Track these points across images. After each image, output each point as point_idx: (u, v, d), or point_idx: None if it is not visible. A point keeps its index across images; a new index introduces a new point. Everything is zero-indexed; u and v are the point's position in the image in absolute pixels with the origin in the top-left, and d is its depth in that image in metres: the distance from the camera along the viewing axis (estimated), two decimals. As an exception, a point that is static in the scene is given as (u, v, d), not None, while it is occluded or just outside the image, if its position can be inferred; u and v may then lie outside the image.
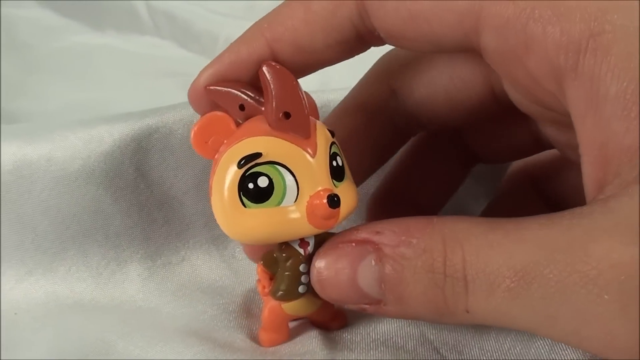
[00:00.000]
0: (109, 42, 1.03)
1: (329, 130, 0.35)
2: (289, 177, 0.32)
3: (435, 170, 0.46)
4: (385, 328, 0.40)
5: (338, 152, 0.34)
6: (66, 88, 0.87)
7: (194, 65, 0.92)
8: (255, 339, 0.41)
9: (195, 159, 0.48)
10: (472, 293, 0.28)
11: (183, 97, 0.43)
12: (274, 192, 0.32)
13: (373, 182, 0.48)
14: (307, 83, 0.35)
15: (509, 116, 0.38)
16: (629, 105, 0.26)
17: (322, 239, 0.35)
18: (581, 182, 0.31)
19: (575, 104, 0.28)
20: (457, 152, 0.45)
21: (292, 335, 0.40)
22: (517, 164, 0.48)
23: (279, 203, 0.32)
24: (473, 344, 0.39)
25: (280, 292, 0.36)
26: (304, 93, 0.33)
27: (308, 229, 0.33)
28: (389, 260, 0.30)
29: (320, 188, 0.33)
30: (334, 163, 0.34)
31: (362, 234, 0.32)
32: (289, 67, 0.34)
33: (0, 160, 0.46)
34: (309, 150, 0.33)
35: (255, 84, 0.34)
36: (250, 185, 0.32)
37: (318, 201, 0.32)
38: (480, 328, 0.40)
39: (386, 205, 0.44)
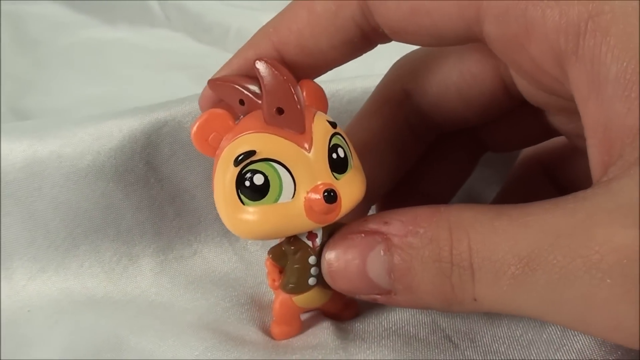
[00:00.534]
0: (121, 36, 1.03)
1: (330, 122, 0.35)
2: (284, 174, 0.32)
3: (445, 160, 0.46)
4: (398, 317, 0.40)
5: (340, 144, 0.34)
6: (78, 83, 0.87)
7: (206, 57, 0.93)
8: (267, 331, 0.41)
9: (205, 153, 0.47)
10: (478, 281, 0.28)
11: (195, 90, 0.43)
12: (270, 189, 0.32)
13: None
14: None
15: (519, 107, 0.38)
16: (629, 86, 0.26)
17: (331, 230, 0.35)
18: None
19: (577, 87, 0.28)
20: (466, 141, 0.45)
21: (304, 327, 0.40)
22: (527, 151, 0.48)
23: (276, 200, 0.32)
24: (485, 331, 0.39)
25: (291, 285, 0.36)
26: (298, 88, 0.33)
27: (308, 224, 0.33)
28: (397, 250, 0.30)
29: (317, 182, 0.33)
30: (334, 155, 0.34)
31: (371, 225, 0.32)
32: (297, 70, 0.35)
33: (11, 157, 0.46)
34: (305, 145, 0.33)
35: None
36: (247, 183, 0.32)
37: (314, 196, 0.32)
38: (492, 315, 0.40)
39: (397, 196, 0.44)
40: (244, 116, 0.34)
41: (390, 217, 0.32)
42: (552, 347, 0.36)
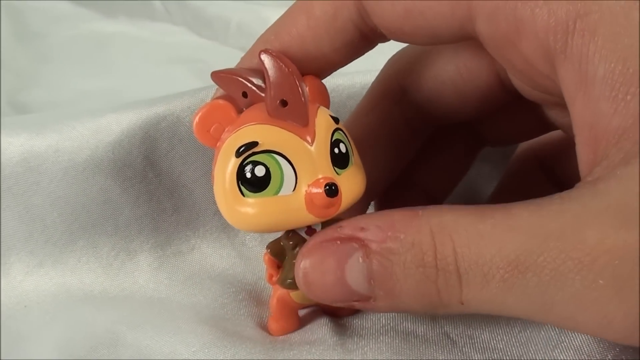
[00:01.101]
0: (121, 29, 1.03)
1: (333, 117, 0.34)
2: (286, 166, 0.32)
3: (444, 155, 0.46)
4: (396, 313, 0.40)
5: (342, 139, 0.34)
6: (79, 76, 0.87)
7: (206, 51, 0.93)
8: (265, 327, 0.41)
9: (204, 147, 0.46)
10: (466, 285, 0.28)
11: (196, 84, 0.43)
12: (271, 181, 0.32)
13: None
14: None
15: (516, 101, 0.38)
16: (616, 87, 0.26)
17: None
18: None
19: (566, 85, 0.29)
20: (464, 136, 0.45)
21: (302, 323, 0.40)
22: (523, 145, 0.48)
23: (277, 192, 0.32)
24: (483, 327, 0.39)
25: (289, 281, 0.36)
26: (302, 81, 0.33)
27: (309, 218, 0.33)
28: (376, 256, 0.30)
29: (319, 176, 0.32)
30: (336, 150, 0.33)
31: (346, 231, 0.31)
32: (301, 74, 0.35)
33: (9, 151, 0.45)
34: (307, 138, 0.33)
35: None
36: (248, 175, 0.32)
37: (316, 190, 0.32)
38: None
39: (395, 192, 0.44)
40: (246, 109, 0.34)
41: (366, 223, 0.31)
42: (550, 344, 0.36)
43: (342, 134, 0.35)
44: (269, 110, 0.33)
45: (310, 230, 0.35)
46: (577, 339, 0.35)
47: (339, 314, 0.41)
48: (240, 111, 0.34)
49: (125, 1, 1.06)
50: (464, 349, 0.37)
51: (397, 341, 0.38)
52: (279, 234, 0.37)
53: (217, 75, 0.35)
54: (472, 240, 0.28)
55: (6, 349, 0.41)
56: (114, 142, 0.46)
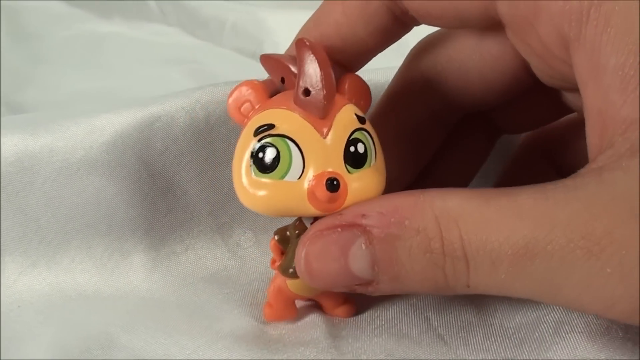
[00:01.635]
0: (116, 30, 1.03)
1: (360, 117, 0.35)
2: (296, 153, 0.33)
3: (461, 147, 0.46)
4: (390, 315, 0.40)
5: (363, 140, 0.34)
6: (74, 77, 0.87)
7: (201, 52, 0.92)
8: (259, 328, 0.41)
9: (199, 147, 0.48)
10: (473, 270, 0.29)
11: (191, 84, 0.43)
12: (280, 165, 0.33)
13: None
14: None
15: (536, 87, 0.38)
16: (626, 79, 0.27)
17: None
18: None
19: (579, 71, 0.29)
20: (480, 125, 0.45)
21: (297, 318, 0.41)
22: (527, 134, 0.48)
23: (283, 177, 0.33)
24: (477, 329, 0.39)
25: (290, 270, 0.36)
26: (331, 74, 0.34)
27: (310, 209, 0.33)
28: (379, 242, 0.30)
29: (325, 170, 0.33)
30: (352, 149, 0.34)
31: (347, 218, 0.32)
32: (341, 61, 0.36)
33: (3, 151, 0.45)
34: (322, 130, 0.33)
35: None
36: (260, 155, 0.33)
37: (318, 182, 0.32)
38: (485, 314, 0.40)
39: (411, 185, 0.44)
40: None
41: (367, 209, 0.31)
42: (544, 345, 0.36)
43: (366, 135, 0.34)
44: (294, 97, 0.33)
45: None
46: (571, 340, 0.35)
47: (336, 314, 0.41)
48: (274, 95, 0.35)
49: (119, 2, 1.06)
50: (457, 351, 0.37)
51: (390, 343, 0.38)
52: (285, 222, 0.37)
53: (264, 57, 0.37)
54: (479, 226, 0.28)
55: (-1, 349, 0.41)
56: (108, 142, 0.45)
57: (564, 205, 0.27)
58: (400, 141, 0.41)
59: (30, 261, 0.46)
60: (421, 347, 0.37)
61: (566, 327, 0.36)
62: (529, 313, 0.38)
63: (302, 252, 0.32)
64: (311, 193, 0.32)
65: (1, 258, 0.46)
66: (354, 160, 0.34)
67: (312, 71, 0.33)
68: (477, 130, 0.45)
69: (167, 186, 0.48)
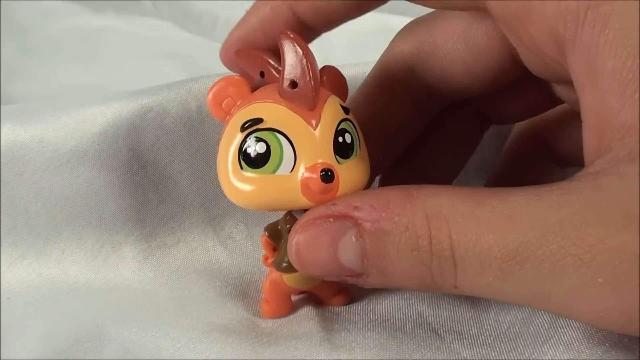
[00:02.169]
0: (109, 24, 1.03)
1: (344, 107, 0.35)
2: (286, 146, 0.33)
3: (449, 139, 0.45)
4: (384, 309, 0.40)
5: (349, 130, 0.34)
6: (66, 71, 0.87)
7: (194, 46, 0.92)
8: (251, 321, 0.40)
9: (191, 139, 0.47)
10: (461, 271, 0.29)
11: (183, 78, 0.43)
12: (270, 159, 0.33)
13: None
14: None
15: (525, 78, 0.38)
16: (624, 82, 0.27)
17: None
18: None
19: (575, 72, 0.29)
20: (469, 117, 0.45)
21: (292, 311, 0.41)
22: (521, 124, 0.48)
23: (274, 171, 0.33)
24: (472, 323, 0.38)
25: (284, 264, 0.36)
26: (316, 66, 0.34)
27: (303, 202, 0.33)
28: (369, 236, 0.30)
29: (317, 161, 0.33)
30: (340, 139, 0.34)
31: (340, 208, 0.31)
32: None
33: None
34: (312, 122, 0.33)
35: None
36: (249, 150, 0.33)
37: (312, 174, 0.32)
38: (479, 308, 0.40)
39: (399, 176, 0.44)
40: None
41: (360, 201, 0.31)
42: (539, 339, 0.36)
43: (351, 125, 0.35)
44: (279, 90, 0.33)
45: None
46: (567, 334, 0.35)
47: (332, 304, 0.41)
48: (255, 89, 0.35)
49: (112, -5, 1.06)
50: (452, 345, 0.37)
51: (384, 338, 0.37)
52: (276, 217, 0.37)
53: (239, 53, 0.37)
54: (469, 227, 0.28)
55: (-12, 341, 0.40)
56: (99, 132, 0.45)
57: (557, 210, 0.27)
58: (378, 127, 0.41)
59: (19, 252, 0.46)
60: (415, 340, 0.37)
61: (561, 321, 0.36)
62: (523, 308, 0.38)
63: (294, 239, 0.32)
64: (305, 185, 0.32)
65: (-10, 249, 0.46)
66: (343, 150, 0.34)
67: (298, 63, 0.33)
68: (465, 121, 0.45)
69: (159, 177, 0.48)
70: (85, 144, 0.45)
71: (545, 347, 0.35)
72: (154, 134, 0.47)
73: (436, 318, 0.39)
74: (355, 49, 0.40)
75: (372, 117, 0.41)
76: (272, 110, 0.33)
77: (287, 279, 0.38)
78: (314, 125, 0.33)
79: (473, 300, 0.40)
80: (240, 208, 0.36)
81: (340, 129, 0.34)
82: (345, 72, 0.42)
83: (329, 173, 0.32)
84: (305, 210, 0.34)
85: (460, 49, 0.39)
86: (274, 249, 0.38)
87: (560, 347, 0.34)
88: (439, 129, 0.45)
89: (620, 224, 0.26)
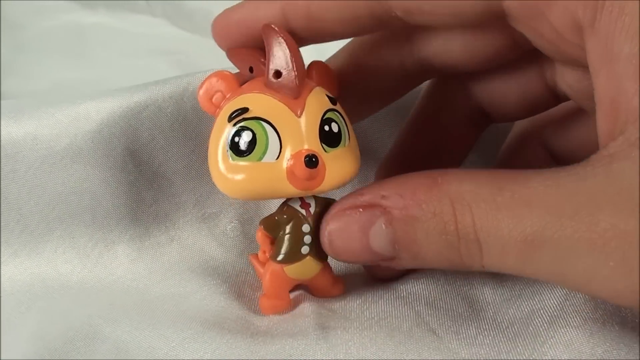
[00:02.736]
0: (101, 21, 1.02)
1: (330, 97, 0.36)
2: (272, 133, 0.34)
3: (447, 135, 0.45)
4: (380, 308, 0.40)
5: (336, 119, 0.35)
6: (57, 67, 0.87)
7: (187, 43, 0.92)
8: (246, 319, 0.40)
9: (186, 138, 0.47)
10: (486, 253, 0.30)
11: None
12: (256, 147, 0.34)
13: (383, 149, 0.48)
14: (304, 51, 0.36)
15: (525, 64, 0.39)
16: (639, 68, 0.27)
17: (325, 202, 0.37)
18: (590, 138, 0.34)
19: (591, 57, 0.30)
20: (469, 113, 0.44)
21: (291, 306, 0.41)
22: (523, 120, 0.48)
23: (261, 158, 0.34)
24: (470, 323, 0.38)
25: (282, 255, 0.37)
26: (299, 55, 0.35)
27: (291, 189, 0.34)
28: (399, 223, 0.32)
29: (303, 148, 0.34)
30: (326, 128, 0.35)
31: (368, 198, 0.33)
32: (299, 34, 0.36)
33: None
34: (296, 110, 0.34)
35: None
36: (236, 139, 0.34)
37: (296, 160, 0.33)
38: (477, 308, 0.40)
39: (396, 171, 0.44)
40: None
41: (387, 190, 0.33)
42: (539, 339, 0.36)
43: (338, 115, 0.36)
44: (265, 81, 0.34)
45: (305, 204, 0.37)
46: (567, 334, 0.35)
47: (328, 294, 0.41)
48: (244, 83, 0.36)
49: (104, -8, 1.06)
50: (450, 345, 0.37)
51: (381, 337, 0.37)
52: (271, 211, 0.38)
53: (231, 52, 0.39)
54: (490, 212, 0.29)
55: (-21, 340, 0.40)
56: (93, 130, 0.45)
57: (573, 195, 0.28)
58: (361, 78, 0.42)
59: (11, 250, 0.46)
60: (412, 340, 0.37)
61: (561, 321, 0.36)
62: (522, 307, 0.38)
63: (326, 230, 0.35)
64: (290, 172, 0.34)
65: (-18, 247, 0.46)
66: (329, 139, 0.35)
67: (282, 53, 0.34)
68: (465, 119, 0.45)
69: (153, 176, 0.48)
70: (79, 142, 0.45)
71: (545, 347, 0.35)
72: (149, 132, 0.47)
73: (434, 317, 0.39)
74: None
75: (358, 67, 0.41)
76: (257, 100, 0.35)
77: (288, 270, 0.38)
78: (298, 113, 0.34)
79: (470, 300, 0.40)
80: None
81: (326, 118, 0.35)
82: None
83: (314, 159, 0.33)
84: (302, 201, 0.36)
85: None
86: (271, 243, 0.38)
87: (560, 347, 0.34)
88: (437, 127, 0.45)
89: (631, 209, 0.27)
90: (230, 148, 0.34)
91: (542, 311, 0.37)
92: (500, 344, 0.36)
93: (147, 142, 0.47)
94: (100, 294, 0.44)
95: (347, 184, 0.36)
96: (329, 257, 0.38)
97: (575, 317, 0.35)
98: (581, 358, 0.33)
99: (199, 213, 0.49)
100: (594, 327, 0.35)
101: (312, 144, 0.34)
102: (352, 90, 0.39)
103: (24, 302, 0.43)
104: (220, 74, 0.36)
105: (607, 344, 0.34)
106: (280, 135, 0.34)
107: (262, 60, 0.36)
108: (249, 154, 0.34)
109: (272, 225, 0.37)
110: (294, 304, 0.41)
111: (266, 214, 0.39)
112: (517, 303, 0.39)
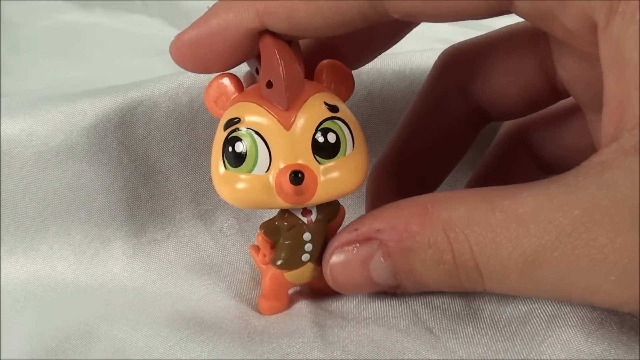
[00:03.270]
0: (97, 21, 1.02)
1: (331, 105, 0.35)
2: (261, 145, 0.34)
3: (443, 135, 0.45)
4: (378, 307, 0.40)
5: (334, 129, 0.34)
6: (53, 67, 0.86)
7: (182, 43, 0.91)
8: (243, 319, 0.40)
9: (182, 133, 0.47)
10: (487, 277, 0.30)
11: (172, 75, 0.43)
12: (247, 158, 0.34)
13: (379, 148, 0.48)
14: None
15: (525, 57, 0.40)
16: None
17: (327, 210, 0.37)
18: (576, 144, 0.36)
19: (604, 57, 0.29)
20: (465, 112, 0.44)
21: (290, 307, 0.41)
22: (508, 124, 0.48)
23: (251, 170, 0.34)
24: (467, 322, 0.38)
25: (282, 261, 0.37)
26: (293, 65, 0.34)
27: (280, 202, 0.34)
28: (396, 255, 0.32)
29: (297, 161, 0.33)
30: (320, 139, 0.34)
31: (363, 232, 0.34)
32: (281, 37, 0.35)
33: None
34: (285, 122, 0.33)
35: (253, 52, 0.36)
36: (229, 149, 0.34)
37: (281, 176, 0.33)
38: (474, 307, 0.39)
39: (389, 175, 0.44)
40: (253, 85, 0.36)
41: (380, 223, 0.33)
42: (536, 338, 0.35)
43: (339, 123, 0.35)
44: (261, 90, 0.34)
45: (306, 211, 0.36)
46: (565, 333, 0.34)
47: (327, 293, 0.41)
48: (248, 86, 0.36)
49: (100, -8, 1.06)
50: (447, 343, 0.36)
51: (378, 335, 0.37)
52: (267, 212, 0.38)
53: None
54: (487, 236, 0.29)
55: (-25, 338, 0.40)
56: (88, 126, 0.45)
57: (567, 210, 0.28)
58: (431, 141, 0.44)
59: (7, 248, 0.46)
60: (410, 338, 0.37)
61: (559, 321, 0.35)
62: (519, 307, 0.38)
63: (327, 268, 0.36)
64: (279, 187, 0.33)
65: (-23, 245, 0.46)
66: (324, 150, 0.34)
67: (274, 63, 0.33)
68: (462, 118, 0.45)
69: (149, 172, 0.48)
70: (74, 138, 0.45)
71: (543, 346, 0.34)
72: (145, 128, 0.47)
73: (431, 317, 0.39)
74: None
75: (425, 131, 0.43)
76: (250, 110, 0.34)
77: (288, 274, 0.38)
78: (286, 125, 0.34)
79: (467, 299, 0.40)
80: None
81: (322, 128, 0.34)
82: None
83: (300, 175, 0.32)
84: (303, 208, 0.36)
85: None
86: (272, 247, 0.38)
87: (558, 347, 0.34)
88: (433, 126, 0.45)
89: (629, 223, 0.27)
90: (225, 157, 0.34)
91: (539, 310, 0.37)
92: (498, 343, 0.36)
93: (142, 138, 0.47)
94: (96, 292, 0.44)
95: (348, 195, 0.36)
96: None
97: (573, 316, 0.35)
98: (579, 357, 0.33)
99: (195, 210, 0.49)
100: (591, 327, 0.34)
101: (302, 157, 0.34)
102: (426, 152, 0.42)
103: (20, 300, 0.43)
104: (223, 77, 0.36)
105: (605, 343, 0.33)
106: (270, 147, 0.34)
107: None
108: (241, 165, 0.34)
109: (272, 231, 0.37)
110: (291, 303, 0.41)
111: (263, 213, 0.38)
112: (515, 302, 0.38)
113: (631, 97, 0.28)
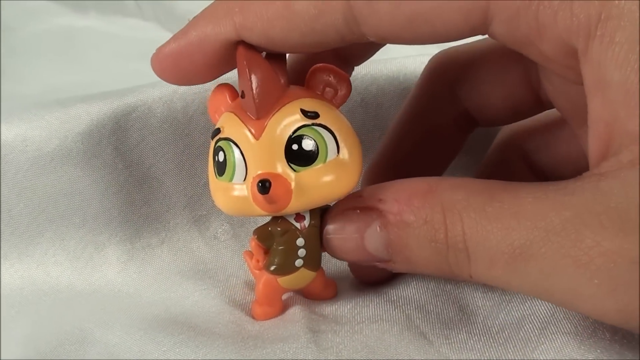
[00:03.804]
0: (92, 25, 1.02)
1: (308, 112, 0.34)
2: (238, 155, 0.34)
3: (434, 138, 0.45)
4: (371, 312, 0.40)
5: (312, 136, 0.34)
6: (48, 71, 0.86)
7: (177, 47, 0.91)
8: (236, 324, 0.40)
9: (176, 138, 0.47)
10: (474, 263, 0.30)
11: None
12: (227, 167, 0.34)
13: (372, 151, 0.48)
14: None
15: (510, 67, 0.40)
16: (629, 94, 0.27)
17: (320, 214, 0.36)
18: (571, 154, 0.36)
19: (587, 81, 0.29)
20: (454, 115, 0.44)
21: (283, 312, 0.41)
22: (505, 131, 0.48)
23: (231, 179, 0.34)
24: (460, 327, 0.38)
25: (275, 267, 0.37)
26: (264, 76, 0.34)
27: (258, 210, 0.34)
28: (393, 227, 0.32)
29: (274, 171, 0.33)
30: (294, 147, 0.33)
31: (366, 201, 0.34)
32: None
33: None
34: (254, 131, 0.34)
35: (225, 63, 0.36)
36: (216, 158, 0.35)
37: (252, 186, 0.33)
38: (467, 312, 0.39)
39: (381, 178, 0.44)
40: None
41: (384, 194, 0.33)
42: (529, 345, 0.35)
43: (318, 130, 0.34)
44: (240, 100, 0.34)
45: (300, 216, 0.36)
46: (557, 340, 0.34)
47: (320, 298, 0.41)
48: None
49: (95, -4, 1.06)
50: (440, 349, 0.37)
51: (372, 340, 0.37)
52: (264, 220, 0.37)
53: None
54: (480, 222, 0.30)
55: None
56: (83, 132, 0.45)
57: (560, 210, 0.28)
58: (423, 143, 0.44)
59: (1, 253, 0.46)
60: (403, 343, 0.37)
61: (552, 327, 0.36)
62: (513, 312, 0.38)
63: (325, 229, 0.36)
64: (252, 195, 0.33)
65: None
66: (299, 158, 0.34)
67: (246, 74, 0.33)
68: (451, 123, 0.45)
69: (144, 178, 0.48)
70: (69, 144, 0.45)
71: (536, 353, 0.35)
72: (139, 133, 0.47)
73: (424, 322, 0.39)
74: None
75: (415, 133, 0.44)
76: (229, 120, 0.35)
77: (282, 280, 0.38)
78: (255, 134, 0.34)
79: (461, 305, 0.40)
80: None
81: (297, 136, 0.33)
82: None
83: (267, 184, 0.32)
84: (297, 213, 0.36)
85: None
86: (265, 252, 0.38)
87: (551, 353, 0.34)
88: (423, 131, 0.45)
89: (617, 228, 0.27)
90: (214, 165, 0.35)
91: (533, 317, 0.37)
92: (491, 349, 0.36)
93: (137, 143, 0.47)
94: (90, 297, 0.44)
95: (333, 200, 0.36)
96: (321, 263, 0.38)
97: (567, 323, 0.35)
98: (573, 364, 0.33)
99: (189, 215, 0.49)
100: (585, 334, 0.34)
101: (276, 165, 0.33)
102: (418, 155, 0.42)
103: (14, 306, 0.43)
104: (219, 87, 0.37)
105: (598, 351, 0.33)
106: (245, 157, 0.34)
107: None
108: (223, 174, 0.34)
109: (265, 236, 0.37)
110: (285, 308, 0.41)
111: (257, 219, 0.39)
112: (508, 308, 0.38)
113: (619, 115, 0.28)
